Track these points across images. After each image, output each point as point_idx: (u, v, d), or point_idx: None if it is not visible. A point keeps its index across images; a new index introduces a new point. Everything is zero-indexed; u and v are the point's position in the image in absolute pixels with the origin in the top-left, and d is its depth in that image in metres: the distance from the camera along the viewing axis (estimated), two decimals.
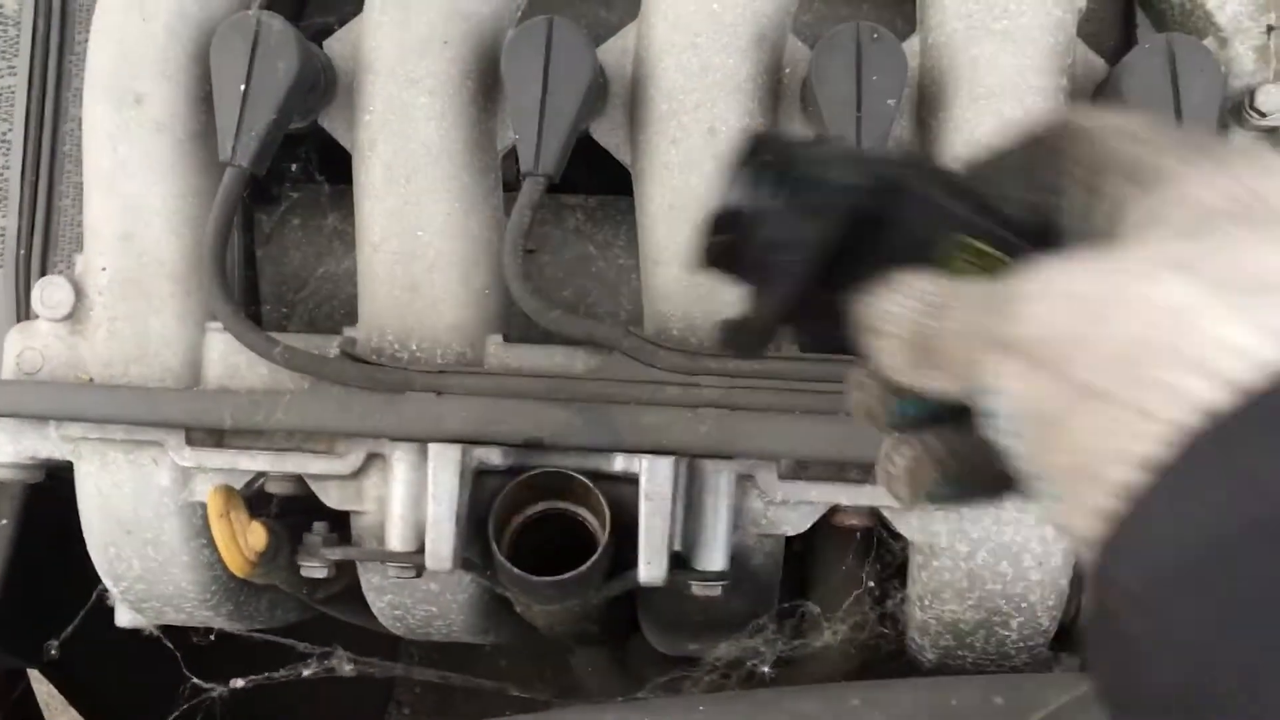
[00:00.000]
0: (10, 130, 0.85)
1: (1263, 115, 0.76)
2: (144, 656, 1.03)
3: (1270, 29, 0.78)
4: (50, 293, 0.79)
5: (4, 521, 1.07)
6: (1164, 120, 0.42)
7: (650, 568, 0.71)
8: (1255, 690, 0.31)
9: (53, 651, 0.94)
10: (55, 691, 1.60)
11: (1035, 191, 0.42)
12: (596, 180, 0.90)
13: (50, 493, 0.91)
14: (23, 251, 0.84)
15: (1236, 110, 0.77)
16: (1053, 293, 0.36)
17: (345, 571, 0.83)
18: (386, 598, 0.83)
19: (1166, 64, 0.73)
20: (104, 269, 0.79)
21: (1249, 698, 0.31)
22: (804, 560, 0.83)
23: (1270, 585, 0.31)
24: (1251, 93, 0.76)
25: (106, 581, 0.84)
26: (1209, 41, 0.78)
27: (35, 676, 1.39)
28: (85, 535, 0.81)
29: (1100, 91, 0.78)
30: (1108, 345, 0.35)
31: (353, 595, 0.86)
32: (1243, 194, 0.39)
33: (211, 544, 0.81)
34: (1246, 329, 0.34)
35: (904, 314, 0.40)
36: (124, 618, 0.89)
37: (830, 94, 0.74)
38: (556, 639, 0.88)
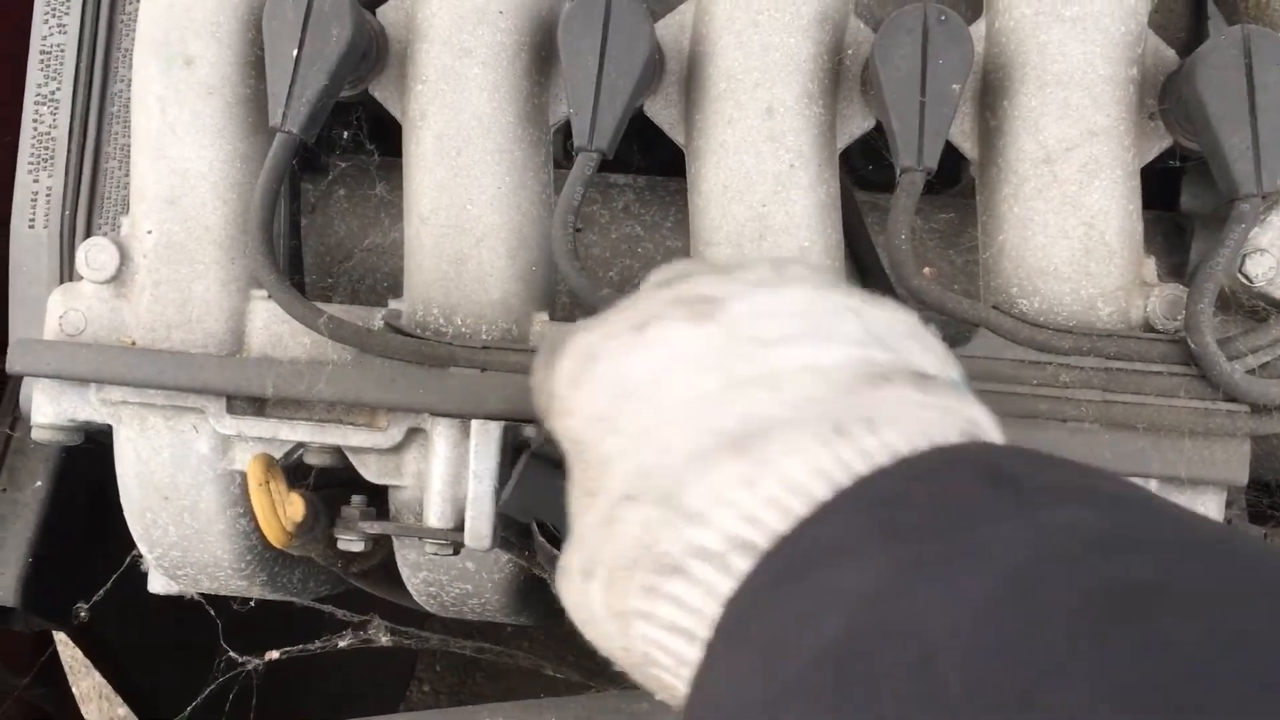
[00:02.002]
0: (59, 89, 0.84)
1: None
2: (174, 622, 1.03)
3: None
4: (95, 254, 0.78)
5: (38, 484, 1.07)
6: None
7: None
8: None
9: (82, 615, 0.94)
10: (79, 655, 1.61)
11: None
12: (645, 160, 0.89)
13: (85, 456, 0.91)
14: (67, 212, 0.84)
15: None
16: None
17: (380, 546, 0.82)
18: (422, 574, 0.82)
19: (1241, 57, 0.71)
20: (149, 232, 0.78)
21: None
22: None
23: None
24: None
25: (141, 547, 0.83)
26: None
27: (61, 640, 1.40)
28: (122, 500, 0.80)
29: (1170, 83, 0.76)
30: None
31: (386, 570, 0.86)
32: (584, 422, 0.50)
33: (248, 513, 0.80)
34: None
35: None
36: (157, 584, 0.89)
37: (894, 76, 0.72)
38: None
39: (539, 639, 1.73)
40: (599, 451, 0.48)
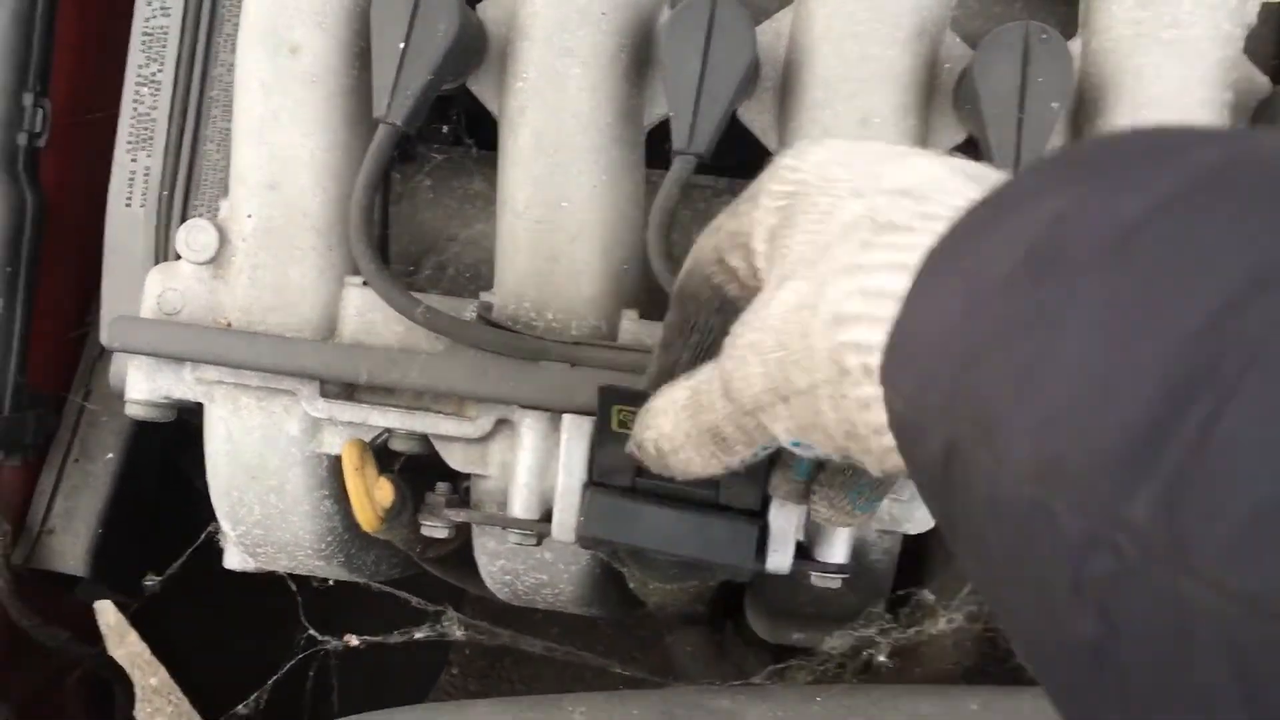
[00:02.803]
0: (159, 71, 0.85)
1: None
2: (241, 600, 1.04)
3: None
4: (195, 235, 0.79)
5: (110, 455, 1.09)
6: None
7: (777, 556, 0.70)
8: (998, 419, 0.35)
9: (153, 586, 0.96)
10: (112, 623, 1.63)
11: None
12: (726, 162, 0.90)
13: (156, 430, 0.93)
14: (165, 193, 0.85)
15: None
16: (743, 354, 0.49)
17: (459, 533, 0.84)
18: (500, 562, 0.83)
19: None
20: (249, 216, 0.79)
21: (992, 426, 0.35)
22: (919, 550, 0.83)
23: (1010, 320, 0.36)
24: None
25: (224, 524, 0.85)
26: None
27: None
28: (209, 477, 0.82)
29: (1263, 109, 0.76)
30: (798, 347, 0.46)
31: (460, 557, 0.87)
32: (796, 187, 0.50)
33: (332, 495, 0.82)
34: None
35: (681, 436, 0.54)
36: (233, 560, 0.90)
37: (993, 92, 0.73)
38: (665, 618, 0.88)
39: (606, 636, 1.76)
40: (830, 195, 0.49)
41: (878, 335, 0.42)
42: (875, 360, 0.43)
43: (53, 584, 1.06)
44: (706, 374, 0.53)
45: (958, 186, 0.45)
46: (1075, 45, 0.78)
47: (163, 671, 1.73)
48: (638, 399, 0.60)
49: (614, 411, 0.65)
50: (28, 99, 0.99)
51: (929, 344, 0.40)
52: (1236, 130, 0.70)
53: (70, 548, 1.04)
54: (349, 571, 0.89)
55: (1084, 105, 0.77)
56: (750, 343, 0.48)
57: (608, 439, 0.66)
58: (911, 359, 0.41)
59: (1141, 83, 0.75)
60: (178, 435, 0.91)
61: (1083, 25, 0.78)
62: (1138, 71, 0.75)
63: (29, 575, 1.03)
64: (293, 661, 0.89)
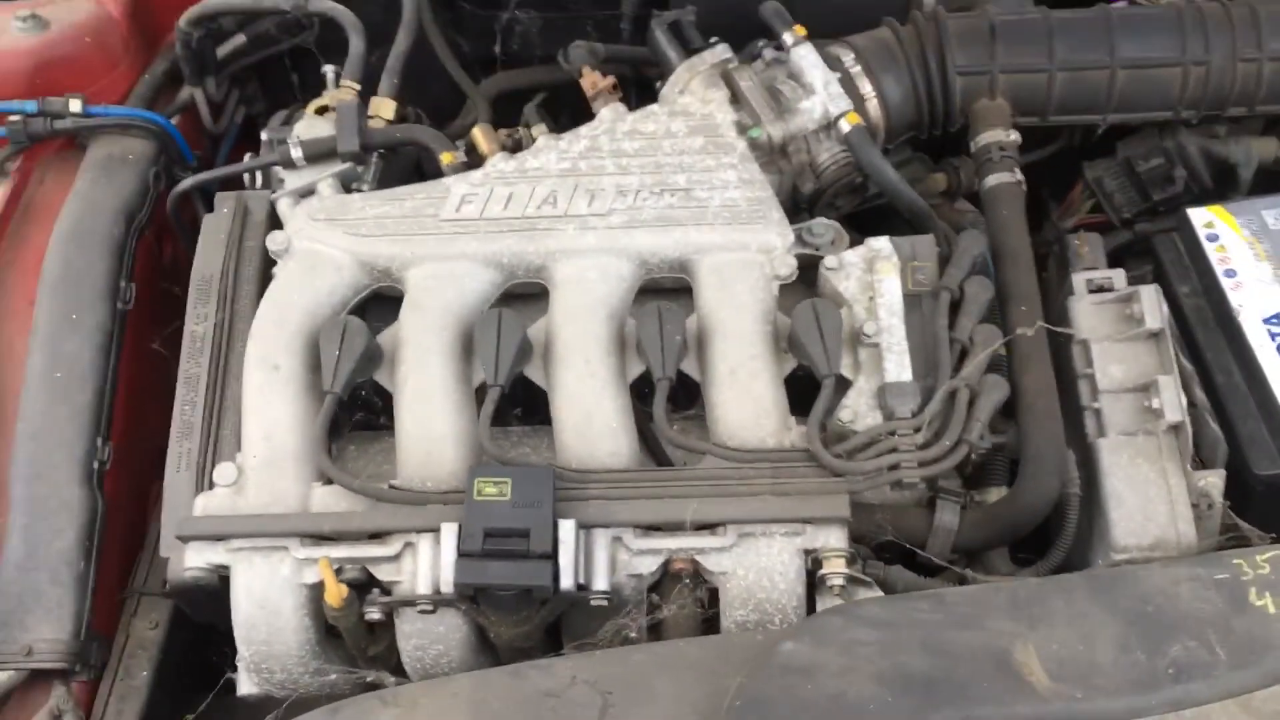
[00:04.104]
0: (197, 368, 1.50)
1: None
2: None
3: None
4: (224, 471, 1.41)
5: (145, 673, 1.60)
6: None
7: (565, 580, 1.29)
8: None
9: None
10: None
11: None
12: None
13: (186, 618, 1.48)
14: (201, 461, 1.47)
15: None
16: None
17: (387, 632, 1.39)
18: (413, 641, 1.38)
19: (813, 314, 1.43)
20: (254, 456, 1.41)
21: None
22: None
23: None
24: None
25: (241, 647, 1.38)
26: None
27: None
28: (233, 613, 1.37)
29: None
30: None
31: (391, 654, 1.41)
32: None
33: (310, 614, 1.37)
34: None
35: None
36: (244, 688, 1.42)
37: (649, 338, 1.42)
38: (510, 656, 1.41)
39: None
40: None
41: None
42: None
43: None
44: None
45: None
46: (693, 311, 1.49)
47: None
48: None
49: (475, 483, 1.27)
50: (99, 442, 1.61)
51: None
52: None
53: None
54: (318, 677, 1.41)
55: (701, 339, 1.47)
56: None
57: (474, 508, 1.27)
58: None
59: (726, 326, 1.45)
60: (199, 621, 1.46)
61: (695, 298, 1.49)
62: (723, 320, 1.46)
63: None
64: None
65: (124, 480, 1.65)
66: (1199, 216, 1.60)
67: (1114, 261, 1.63)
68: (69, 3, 1.90)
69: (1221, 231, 1.58)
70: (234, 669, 1.42)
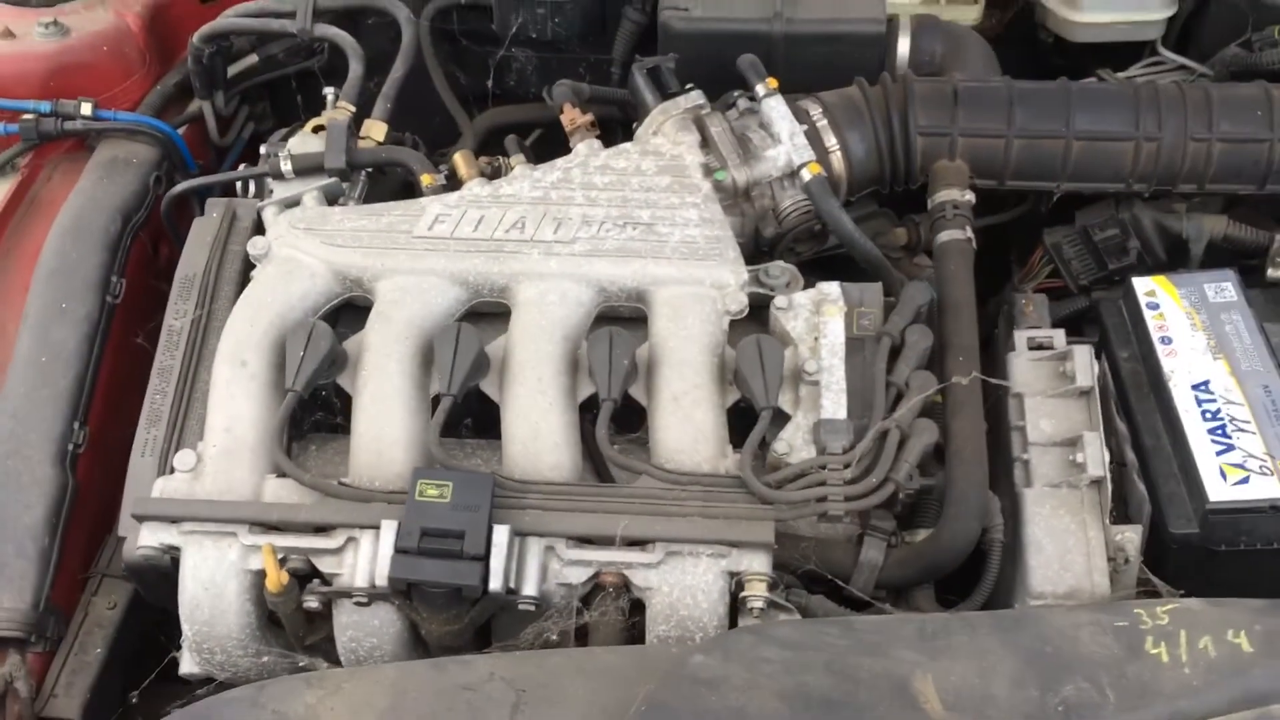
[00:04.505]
0: (171, 361, 1.57)
1: None
2: None
3: None
4: (183, 459, 1.48)
5: (98, 650, 1.66)
6: None
7: (495, 583, 1.34)
8: None
9: (132, 700, 1.52)
10: None
11: None
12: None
13: (145, 602, 1.54)
14: (165, 447, 1.54)
15: None
16: None
17: (325, 623, 1.45)
18: (349, 633, 1.43)
19: (756, 347, 1.49)
20: (214, 446, 1.48)
21: None
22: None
23: None
24: None
25: (185, 626, 1.44)
26: None
27: None
28: (180, 594, 1.43)
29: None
30: None
31: (328, 645, 1.47)
32: None
33: (252, 600, 1.43)
34: None
35: None
36: (186, 666, 1.48)
37: (598, 360, 1.49)
38: (443, 653, 1.46)
39: None
40: None
41: None
42: None
43: None
44: None
45: None
46: (645, 337, 1.55)
47: None
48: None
49: (418, 484, 1.33)
50: (76, 425, 1.69)
51: None
52: None
53: (69, 704, 1.59)
54: (256, 660, 1.46)
55: (651, 363, 1.53)
56: None
57: (414, 507, 1.33)
58: None
59: (673, 354, 1.52)
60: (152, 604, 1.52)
61: (650, 326, 1.56)
62: (671, 350, 1.52)
63: None
64: None
65: (97, 466, 1.72)
66: (1142, 285, 1.66)
67: (1070, 327, 1.70)
68: (91, 13, 2.01)
69: (1162, 300, 1.64)
70: (179, 649, 1.49)
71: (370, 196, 1.80)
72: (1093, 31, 2.04)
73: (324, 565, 1.43)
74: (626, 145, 1.72)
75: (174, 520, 1.44)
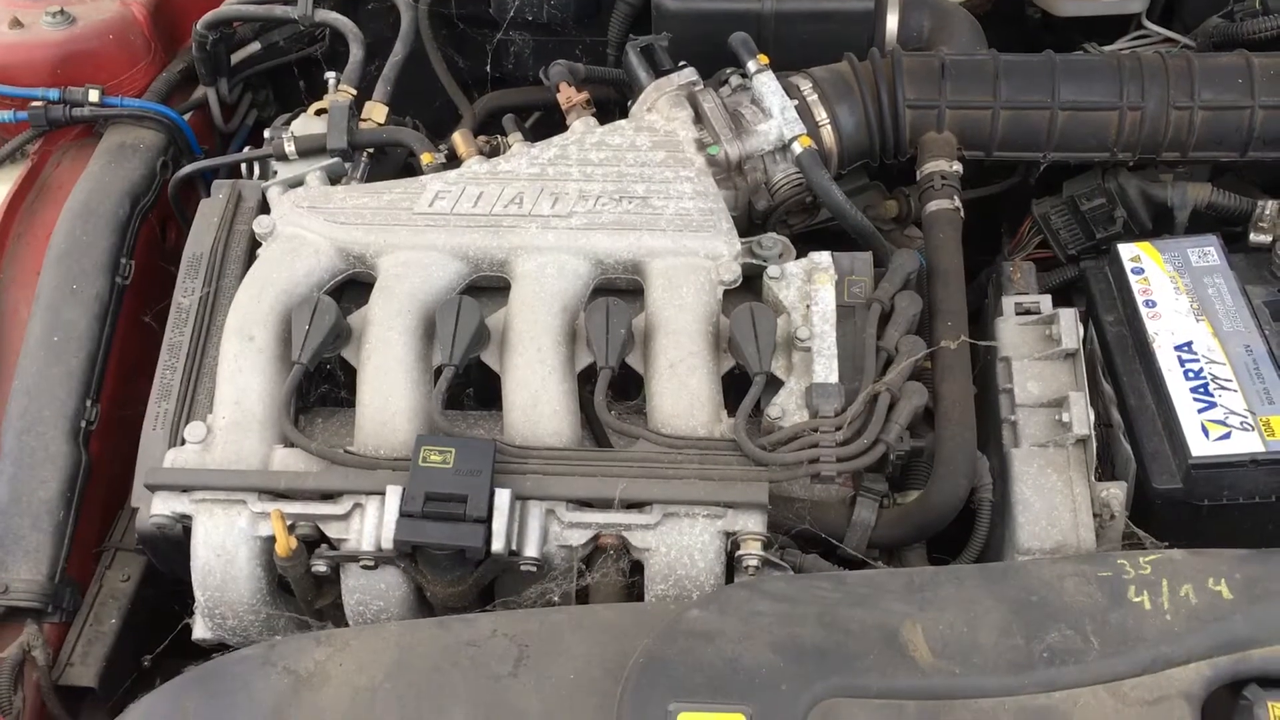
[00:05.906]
0: (179, 337, 1.61)
1: None
2: None
3: None
4: (194, 430, 1.52)
5: (113, 621, 1.71)
6: None
7: (497, 545, 1.39)
8: None
9: (145, 663, 1.56)
10: None
11: None
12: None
13: (158, 574, 1.59)
14: (175, 420, 1.58)
15: None
16: None
17: (333, 588, 1.49)
18: (356, 595, 1.48)
19: (749, 314, 1.53)
20: (224, 418, 1.53)
21: None
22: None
23: None
24: None
25: (197, 592, 1.48)
26: None
27: None
28: (192, 560, 1.47)
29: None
30: None
31: (336, 610, 1.51)
32: None
33: (263, 566, 1.48)
34: None
35: None
36: (199, 631, 1.52)
37: (595, 329, 1.53)
38: (447, 615, 1.50)
39: None
40: None
41: None
42: None
43: (74, 696, 1.64)
44: None
45: None
46: (642, 308, 1.59)
47: None
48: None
49: (421, 450, 1.37)
50: (89, 403, 1.74)
51: None
52: None
53: (85, 672, 1.63)
54: (267, 628, 1.51)
55: (647, 332, 1.57)
56: None
57: (418, 472, 1.37)
58: None
59: (669, 323, 1.56)
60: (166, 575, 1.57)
61: (645, 303, 1.60)
62: (667, 319, 1.56)
63: (59, 689, 1.61)
64: None
65: (110, 442, 1.77)
66: (1127, 251, 1.69)
67: (1060, 297, 1.74)
68: (97, 2, 2.05)
69: (1147, 265, 1.67)
70: (192, 615, 1.53)
71: (372, 177, 1.84)
72: (1078, 5, 2.07)
73: (331, 530, 1.47)
74: (621, 122, 1.76)
75: (185, 489, 1.48)
